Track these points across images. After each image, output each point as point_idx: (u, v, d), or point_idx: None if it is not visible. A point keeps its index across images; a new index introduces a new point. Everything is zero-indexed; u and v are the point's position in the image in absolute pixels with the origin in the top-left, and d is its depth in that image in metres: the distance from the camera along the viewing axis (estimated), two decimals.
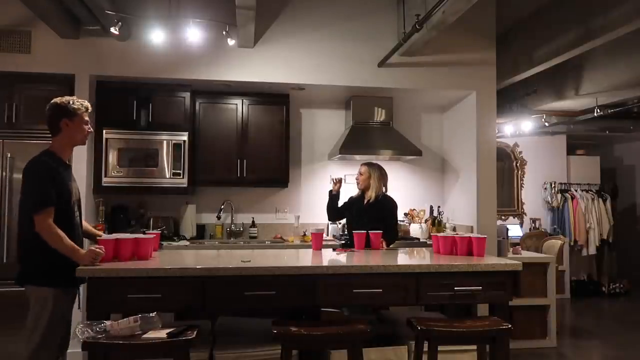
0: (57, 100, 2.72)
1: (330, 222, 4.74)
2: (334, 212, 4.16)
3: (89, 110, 2.80)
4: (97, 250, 2.66)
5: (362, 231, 3.64)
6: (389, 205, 4.02)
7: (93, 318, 2.44)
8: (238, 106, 4.84)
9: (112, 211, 4.69)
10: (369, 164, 4.07)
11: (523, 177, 7.45)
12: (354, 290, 2.79)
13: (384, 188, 4.06)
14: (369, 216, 3.88)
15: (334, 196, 4.08)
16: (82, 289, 2.78)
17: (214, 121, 4.80)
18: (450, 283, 2.88)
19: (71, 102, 2.71)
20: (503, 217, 7.23)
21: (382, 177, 4.04)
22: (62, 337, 2.65)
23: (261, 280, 2.71)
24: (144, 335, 2.27)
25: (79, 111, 2.72)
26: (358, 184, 4.05)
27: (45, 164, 2.62)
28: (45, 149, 2.71)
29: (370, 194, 3.95)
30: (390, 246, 3.88)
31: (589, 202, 7.28)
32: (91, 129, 2.85)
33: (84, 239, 2.90)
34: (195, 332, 2.34)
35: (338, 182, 4.07)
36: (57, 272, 2.58)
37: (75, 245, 2.62)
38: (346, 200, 4.18)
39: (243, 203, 5.16)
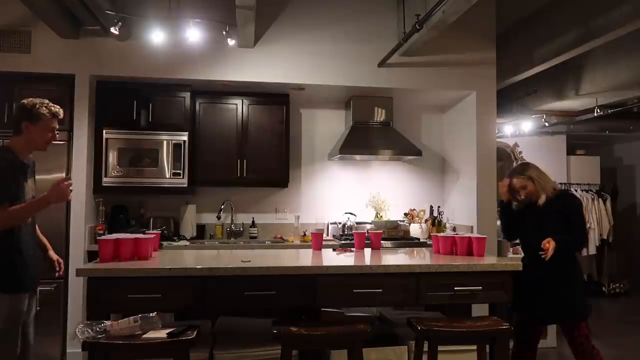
0: (25, 101, 2.59)
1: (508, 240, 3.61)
2: (509, 229, 3.33)
3: (59, 117, 2.64)
4: (65, 182, 2.48)
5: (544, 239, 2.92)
6: (571, 200, 3.18)
7: (93, 318, 2.44)
8: (238, 106, 4.84)
9: (112, 211, 4.70)
10: (519, 173, 3.17)
11: None
12: (354, 290, 2.79)
13: (553, 182, 3.23)
14: (547, 219, 3.07)
15: (504, 207, 3.29)
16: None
17: (214, 121, 4.80)
18: (450, 283, 2.89)
19: (37, 107, 2.56)
20: None
21: (541, 172, 3.17)
22: (20, 348, 2.51)
23: (261, 280, 2.71)
24: (144, 335, 2.28)
25: (43, 117, 2.56)
26: (522, 198, 3.18)
27: (2, 160, 2.48)
28: (3, 145, 2.61)
29: (541, 199, 3.12)
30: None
31: (589, 202, 7.27)
32: (56, 136, 2.67)
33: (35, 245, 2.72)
34: (195, 332, 2.34)
35: (505, 186, 3.21)
36: (9, 276, 2.45)
37: (31, 201, 2.50)
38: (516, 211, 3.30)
39: (243, 203, 5.16)
